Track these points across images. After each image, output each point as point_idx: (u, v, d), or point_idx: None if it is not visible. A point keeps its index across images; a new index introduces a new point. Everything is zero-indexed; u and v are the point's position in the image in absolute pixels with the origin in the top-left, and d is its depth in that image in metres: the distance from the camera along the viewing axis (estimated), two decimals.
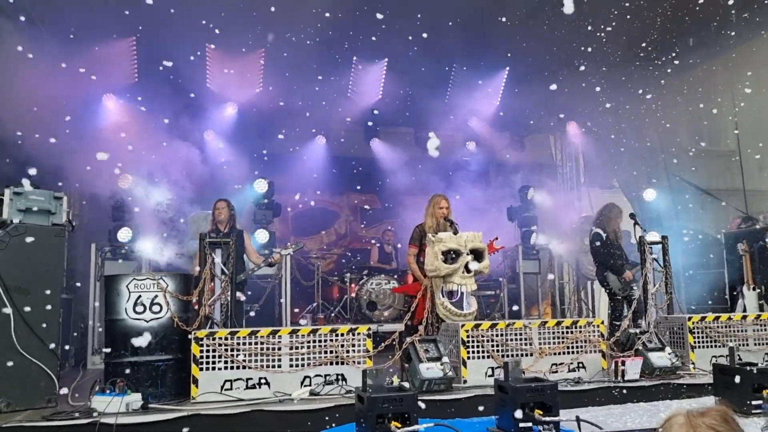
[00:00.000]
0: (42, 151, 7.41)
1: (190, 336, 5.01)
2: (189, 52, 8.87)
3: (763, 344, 6.35)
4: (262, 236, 9.21)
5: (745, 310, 8.36)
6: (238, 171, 10.29)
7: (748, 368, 4.77)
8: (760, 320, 6.47)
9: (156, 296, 5.06)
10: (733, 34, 9.02)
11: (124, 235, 8.42)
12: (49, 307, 4.92)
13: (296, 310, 9.68)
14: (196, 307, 5.42)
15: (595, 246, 7.50)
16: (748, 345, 6.30)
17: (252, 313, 8.18)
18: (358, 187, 12.31)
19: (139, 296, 5.04)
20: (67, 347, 7.72)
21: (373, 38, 9.07)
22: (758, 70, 11.03)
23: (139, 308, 5.01)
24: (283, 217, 11.09)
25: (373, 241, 11.30)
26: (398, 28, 9.16)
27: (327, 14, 8.05)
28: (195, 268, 6.83)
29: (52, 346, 4.87)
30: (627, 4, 8.23)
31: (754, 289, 8.58)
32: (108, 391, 4.58)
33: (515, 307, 10.43)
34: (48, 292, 4.93)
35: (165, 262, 7.93)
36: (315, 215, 12.08)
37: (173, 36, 8.40)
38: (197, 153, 10.23)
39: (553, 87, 9.52)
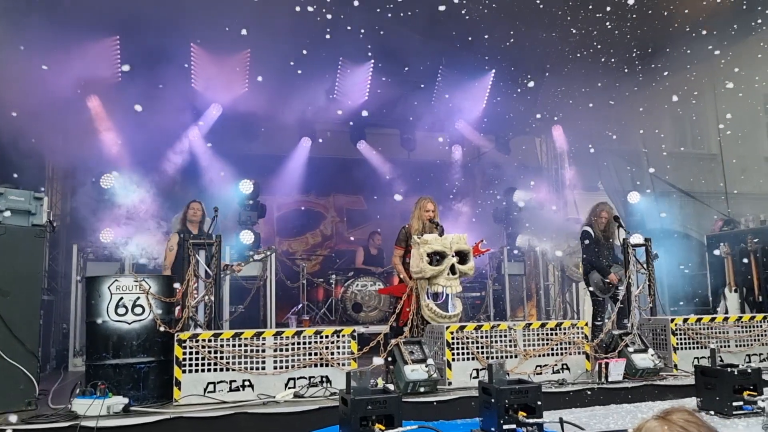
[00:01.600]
0: (23, 151, 7.33)
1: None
2: (173, 51, 8.81)
3: (744, 346, 6.42)
4: (247, 237, 9.17)
5: (726, 312, 8.46)
6: (223, 172, 10.23)
7: (729, 370, 4.82)
8: (742, 322, 6.54)
9: (138, 298, 5.01)
10: (716, 36, 9.12)
11: (106, 235, 8.34)
12: (29, 308, 4.86)
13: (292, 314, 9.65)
14: (176, 309, 5.37)
15: (585, 244, 7.51)
16: (729, 346, 6.36)
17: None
18: (344, 189, 12.29)
19: (121, 298, 4.98)
20: (48, 349, 7.64)
21: (360, 39, 9.06)
22: (739, 75, 11.17)
23: (121, 310, 4.96)
24: (269, 219, 11.04)
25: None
26: (385, 30, 9.17)
27: (313, 15, 8.03)
28: (166, 268, 6.77)
29: (32, 348, 4.80)
30: (611, 9, 8.29)
31: (735, 290, 8.68)
32: (89, 394, 4.52)
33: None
34: (28, 293, 4.87)
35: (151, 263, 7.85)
36: (300, 216, 12.04)
37: (158, 36, 8.34)
38: (181, 153, 10.17)
39: (537, 91, 9.59)
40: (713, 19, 8.70)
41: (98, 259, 8.40)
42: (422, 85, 10.70)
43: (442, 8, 8.26)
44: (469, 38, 9.23)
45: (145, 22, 8.03)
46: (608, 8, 8.38)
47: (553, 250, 11.45)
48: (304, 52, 9.00)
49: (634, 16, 8.51)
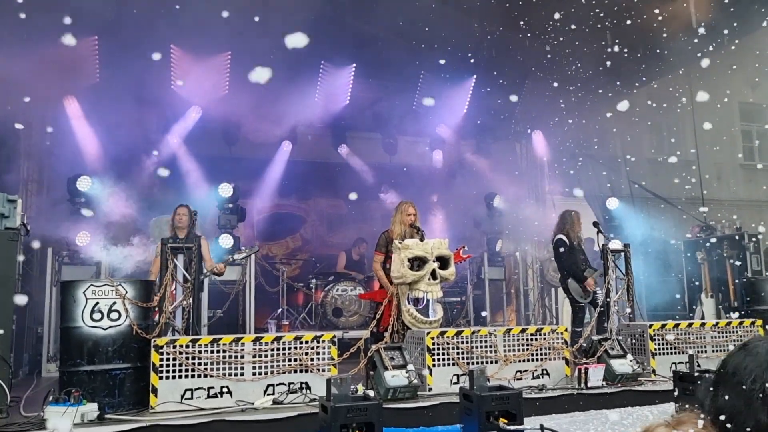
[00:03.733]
0: None
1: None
2: (153, 52, 8.70)
3: (720, 351, 6.49)
4: (226, 241, 9.07)
5: (703, 317, 8.56)
6: (203, 175, 10.14)
7: (706, 375, 4.86)
8: (718, 327, 6.61)
9: (114, 303, 4.92)
10: (693, 45, 9.25)
11: (82, 239, 8.20)
12: (1, 313, 4.75)
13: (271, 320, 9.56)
14: (156, 317, 5.29)
15: (559, 252, 7.56)
16: (706, 352, 6.43)
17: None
18: (325, 193, 12.24)
19: (97, 303, 4.88)
20: (20, 355, 7.48)
21: (341, 43, 9.05)
22: (716, 82, 11.35)
23: (97, 315, 4.86)
24: (248, 222, 10.94)
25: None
26: (366, 34, 9.16)
27: (295, 18, 7.99)
28: (152, 274, 6.66)
29: (4, 353, 4.69)
30: (591, 18, 8.37)
31: (711, 296, 8.79)
32: (62, 401, 4.42)
33: (483, 313, 10.48)
34: (0, 297, 4.76)
35: (126, 268, 7.73)
36: (280, 220, 11.95)
37: (137, 37, 8.23)
38: (160, 156, 10.05)
39: (517, 96, 9.64)
40: (691, 30, 8.83)
41: (73, 263, 8.25)
42: (403, 90, 10.72)
43: (423, 14, 8.29)
44: (449, 44, 9.25)
45: (125, 23, 7.92)
46: (589, 16, 8.45)
47: (533, 254, 11.52)
48: (286, 55, 8.94)
49: (615, 23, 8.60)
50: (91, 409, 4.45)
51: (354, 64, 10.24)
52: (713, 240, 9.18)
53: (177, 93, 9.69)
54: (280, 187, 11.33)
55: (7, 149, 8.02)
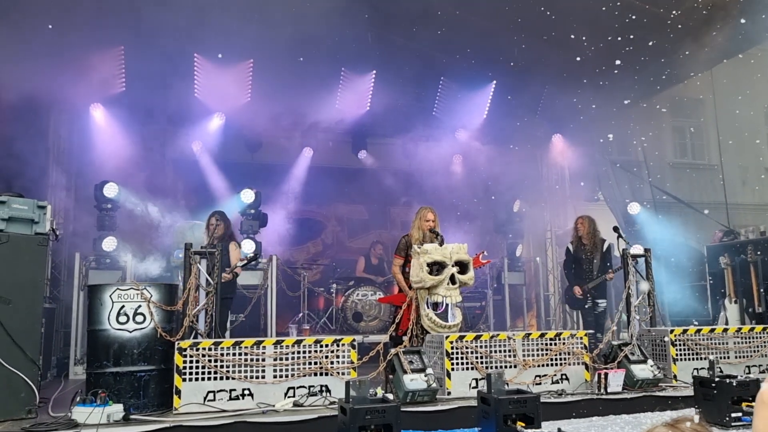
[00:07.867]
0: (26, 160, 7.38)
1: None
2: (177, 61, 8.88)
3: (743, 357, 6.42)
4: (248, 246, 9.19)
5: (726, 323, 8.46)
6: (225, 181, 10.29)
7: (728, 381, 4.83)
8: (741, 333, 6.54)
9: (139, 306, 5.04)
10: (717, 50, 9.17)
11: (108, 244, 8.38)
12: (30, 316, 4.89)
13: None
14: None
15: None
16: (729, 358, 6.36)
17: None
18: (345, 198, 12.33)
19: (123, 306, 5.00)
20: (49, 357, 7.66)
21: (362, 50, 9.14)
22: (741, 85, 11.23)
23: (122, 318, 4.98)
24: (270, 228, 11.05)
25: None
26: (387, 40, 9.24)
27: (315, 25, 8.10)
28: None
29: (33, 355, 4.83)
30: (612, 22, 8.35)
31: (735, 302, 8.68)
32: (89, 402, 4.54)
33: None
34: (30, 301, 4.90)
35: (148, 274, 7.88)
36: (302, 226, 12.06)
37: (161, 46, 8.41)
38: (184, 163, 10.22)
39: (538, 101, 9.62)
40: (714, 31, 8.75)
41: (100, 268, 8.44)
42: (422, 96, 10.78)
43: (443, 20, 8.34)
44: (469, 50, 9.29)
45: (150, 33, 8.10)
46: (609, 21, 8.43)
47: (554, 259, 11.47)
48: (307, 61, 9.06)
49: (635, 28, 8.56)
50: (116, 409, 4.57)
51: (374, 71, 10.33)
52: (737, 244, 9.06)
53: (200, 101, 9.87)
54: (301, 192, 11.46)
55: (37, 156, 8.22)
